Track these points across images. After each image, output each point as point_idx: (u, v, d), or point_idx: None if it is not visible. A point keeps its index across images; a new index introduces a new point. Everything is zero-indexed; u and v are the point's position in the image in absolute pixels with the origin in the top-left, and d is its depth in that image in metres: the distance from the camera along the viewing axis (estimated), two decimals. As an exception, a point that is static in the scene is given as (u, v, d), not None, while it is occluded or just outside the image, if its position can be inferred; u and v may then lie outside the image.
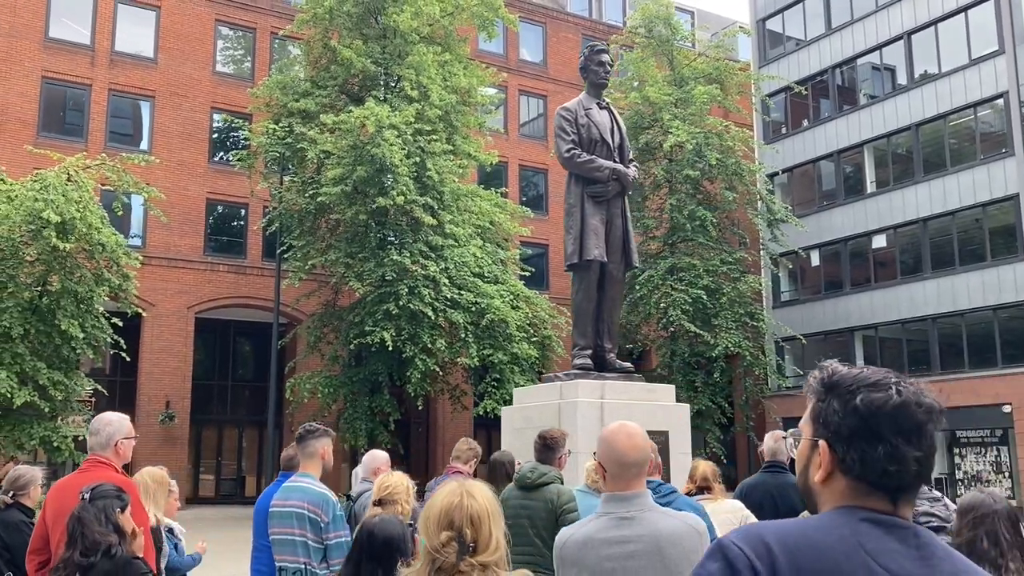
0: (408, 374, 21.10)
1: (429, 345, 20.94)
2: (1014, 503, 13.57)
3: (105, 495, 3.59)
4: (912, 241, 31.16)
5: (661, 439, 9.66)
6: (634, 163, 10.27)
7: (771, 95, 35.37)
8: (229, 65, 30.91)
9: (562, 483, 4.62)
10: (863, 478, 1.43)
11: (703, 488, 5.00)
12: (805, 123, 35.55)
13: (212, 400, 30.32)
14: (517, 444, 9.84)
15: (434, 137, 22.31)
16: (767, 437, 6.09)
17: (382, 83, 24.16)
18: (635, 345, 28.73)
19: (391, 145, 20.34)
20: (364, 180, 21.01)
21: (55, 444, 18.09)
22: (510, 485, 4.67)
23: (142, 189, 19.59)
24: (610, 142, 9.90)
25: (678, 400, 28.69)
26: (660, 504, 4.04)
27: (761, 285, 27.26)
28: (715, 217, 27.44)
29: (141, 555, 3.45)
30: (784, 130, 36.53)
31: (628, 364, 10.05)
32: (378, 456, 6.06)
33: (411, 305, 20.48)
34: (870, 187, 32.62)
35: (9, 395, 17.00)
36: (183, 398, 27.59)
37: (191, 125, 28.85)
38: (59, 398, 17.92)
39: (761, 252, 30.95)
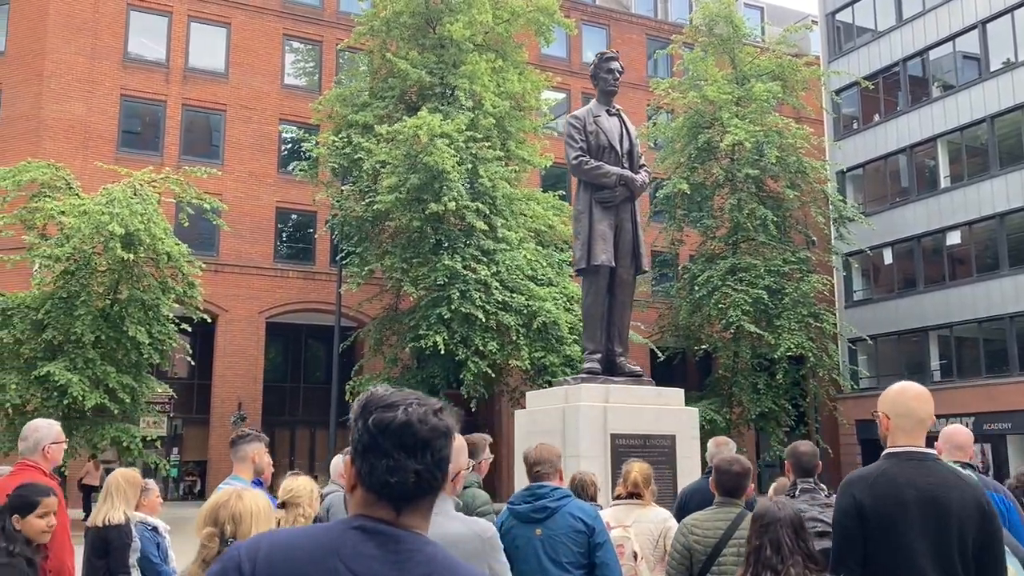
0: (461, 376, 21.49)
1: (481, 348, 21.26)
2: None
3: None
4: (988, 237, 30.04)
5: (667, 443, 9.75)
6: (644, 168, 10.32)
7: (842, 90, 34.60)
8: (300, 77, 31.92)
9: (480, 487, 4.83)
10: (372, 488, 1.60)
11: (633, 494, 5.06)
12: (876, 117, 34.63)
13: (284, 402, 31.36)
14: (525, 447, 10.07)
15: (486, 144, 22.63)
16: (710, 443, 6.14)
17: (438, 92, 24.61)
18: (699, 347, 28.49)
19: (443, 153, 20.75)
20: (418, 187, 21.47)
21: (125, 444, 19.05)
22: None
23: (204, 200, 20.45)
24: (618, 148, 10.00)
25: (738, 403, 28.07)
26: (551, 508, 4.22)
27: (825, 285, 26.66)
28: (776, 216, 26.99)
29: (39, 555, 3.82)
30: (856, 125, 35.66)
31: (638, 368, 10.14)
32: (337, 459, 6.34)
33: (463, 308, 20.84)
34: (944, 182, 31.58)
35: (81, 398, 18.02)
36: (255, 400, 28.64)
37: (261, 137, 29.90)
38: (127, 400, 18.85)
39: (832, 251, 30.27)
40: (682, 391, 9.87)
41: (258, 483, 4.71)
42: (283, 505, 4.12)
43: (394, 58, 24.17)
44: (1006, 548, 3.46)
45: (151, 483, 6.03)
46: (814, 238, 29.08)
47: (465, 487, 4.73)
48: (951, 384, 30.34)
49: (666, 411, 9.41)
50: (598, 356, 9.83)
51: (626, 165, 10.00)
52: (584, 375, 9.73)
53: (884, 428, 3.15)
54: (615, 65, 10.33)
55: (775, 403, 26.40)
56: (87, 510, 19.84)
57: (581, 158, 9.86)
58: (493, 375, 22.14)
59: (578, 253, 9.93)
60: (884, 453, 3.14)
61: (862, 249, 29.74)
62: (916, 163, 33.01)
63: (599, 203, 9.88)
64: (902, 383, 3.26)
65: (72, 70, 27.63)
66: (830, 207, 28.79)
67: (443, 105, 23.88)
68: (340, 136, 23.96)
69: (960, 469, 3.62)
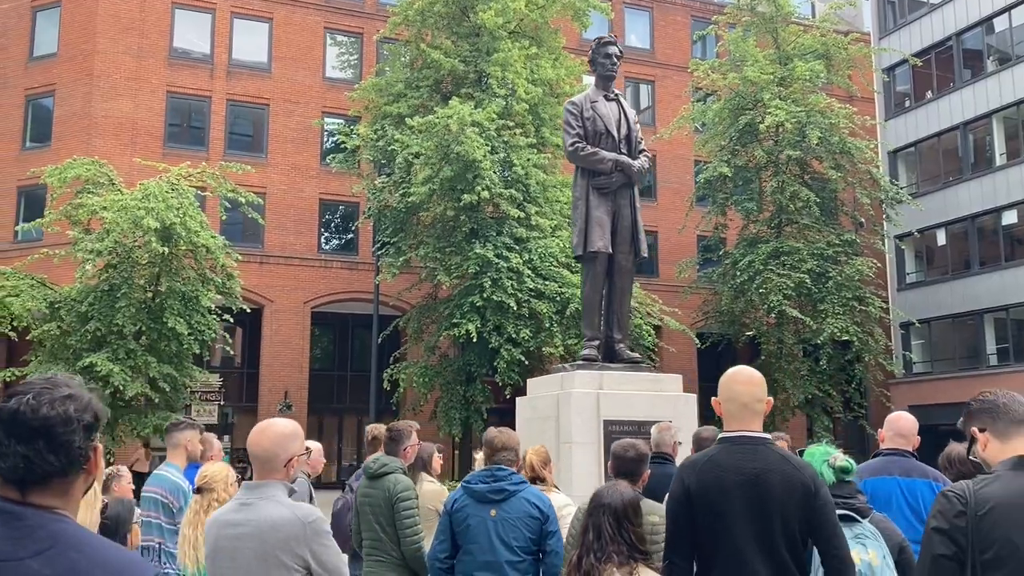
0: (495, 364, 21.61)
1: (514, 335, 21.34)
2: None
3: None
4: (1047, 216, 29.00)
5: (663, 429, 9.71)
6: (644, 153, 10.25)
7: (894, 67, 33.68)
8: (344, 70, 32.26)
9: (404, 473, 4.90)
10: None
11: (533, 478, 5.06)
12: (929, 94, 33.61)
13: (331, 390, 31.90)
14: (525, 432, 10.09)
15: (519, 131, 22.63)
16: (653, 428, 6.08)
17: (472, 80, 24.66)
18: (743, 333, 28.14)
19: (473, 142, 20.83)
20: (451, 179, 21.58)
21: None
22: (363, 476, 4.99)
23: (239, 193, 20.88)
24: (615, 134, 9.94)
25: (783, 389, 27.57)
26: (509, 491, 4.27)
27: (871, 268, 25.98)
28: (819, 197, 26.41)
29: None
30: (907, 103, 34.65)
31: (636, 355, 10.11)
32: (310, 446, 6.47)
33: (495, 297, 20.94)
34: (999, 159, 30.52)
35: (123, 387, 18.60)
36: (301, 388, 29.20)
37: (304, 130, 30.31)
38: (167, 389, 19.40)
39: (879, 233, 29.53)
40: (680, 377, 9.80)
41: (195, 467, 4.86)
42: (199, 490, 4.25)
43: (427, 48, 24.29)
44: (876, 531, 3.42)
45: (123, 470, 6.23)
46: (862, 220, 28.37)
47: (387, 473, 4.81)
48: (1008, 368, 29.42)
49: (661, 397, 9.35)
50: (596, 343, 9.83)
51: (623, 150, 9.94)
52: (580, 362, 9.75)
53: (718, 413, 3.15)
54: (613, 50, 10.27)
55: (819, 389, 25.94)
56: (136, 496, 20.53)
57: (577, 144, 9.84)
58: (527, 362, 22.18)
59: (575, 240, 9.96)
60: (718, 438, 3.14)
61: (911, 232, 28.94)
62: (970, 140, 31.97)
63: (596, 189, 9.86)
64: (735, 368, 3.25)
65: (120, 69, 28.41)
66: (881, 190, 28.02)
67: (476, 93, 23.93)
68: (375, 128, 24.21)
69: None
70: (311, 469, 6.39)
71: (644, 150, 10.31)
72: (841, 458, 3.69)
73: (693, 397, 9.63)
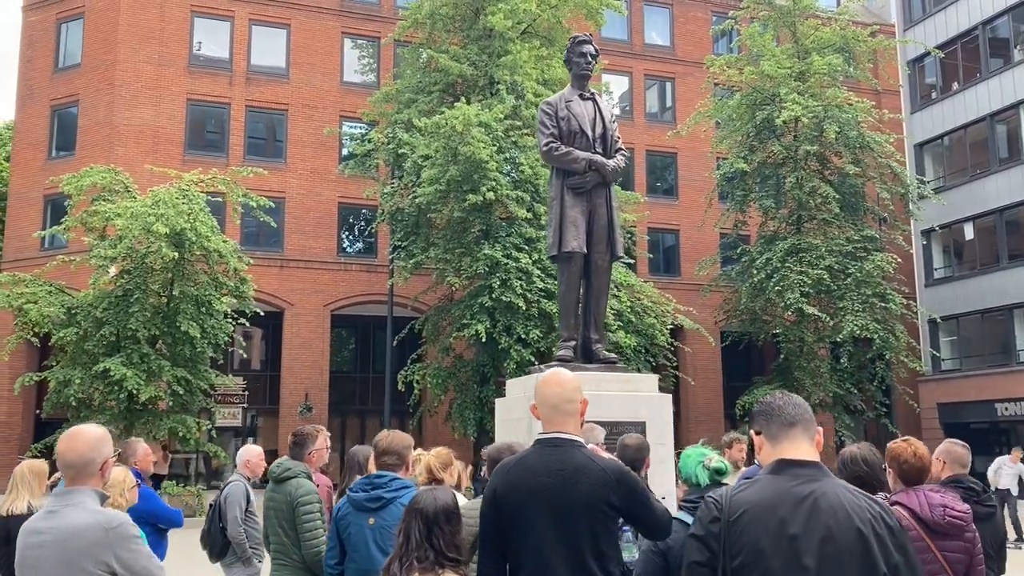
0: (505, 364, 21.60)
1: (523, 335, 21.31)
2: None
3: None
4: (1077, 208, 28.25)
5: (638, 430, 9.62)
6: (622, 152, 10.17)
7: (921, 58, 33.07)
8: (363, 74, 32.45)
9: (309, 478, 4.91)
10: None
11: (430, 480, 5.02)
12: (955, 85, 32.93)
13: (352, 392, 32.13)
14: (501, 434, 10.09)
15: (526, 131, 22.61)
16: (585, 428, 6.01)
17: (481, 85, 24.68)
18: (763, 332, 27.81)
19: (479, 143, 20.84)
20: (458, 179, 21.62)
21: (181, 434, 19.90)
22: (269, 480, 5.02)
23: (251, 198, 21.11)
24: (590, 133, 9.87)
25: (803, 387, 27.16)
26: (386, 498, 4.25)
27: (891, 263, 25.47)
28: (839, 193, 25.98)
29: None
30: (934, 95, 33.99)
31: (612, 355, 10.04)
32: (251, 450, 6.53)
33: (503, 297, 20.94)
34: (1027, 151, 29.86)
35: (137, 391, 18.93)
36: (322, 390, 29.44)
37: (322, 134, 30.55)
38: (180, 392, 19.69)
39: (899, 228, 28.99)
40: (656, 377, 9.74)
41: (136, 474, 4.93)
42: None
43: (435, 53, 24.36)
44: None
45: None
46: (884, 215, 27.87)
47: (291, 477, 4.83)
48: (1038, 364, 28.77)
49: (636, 397, 9.27)
50: (572, 343, 9.78)
51: (598, 150, 9.87)
52: (554, 363, 9.71)
53: (536, 417, 3.13)
54: (588, 48, 10.21)
55: (840, 387, 25.54)
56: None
57: (551, 144, 9.79)
58: (537, 363, 22.12)
59: (550, 240, 9.89)
60: (534, 440, 3.13)
61: (933, 227, 28.37)
62: (998, 132, 31.28)
63: (571, 189, 9.80)
64: (547, 371, 3.25)
65: (141, 77, 28.89)
66: (907, 183, 27.47)
67: (486, 97, 23.94)
68: (386, 132, 24.35)
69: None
70: (250, 472, 6.45)
71: (621, 148, 10.23)
72: (716, 459, 3.67)
73: (667, 397, 9.55)
